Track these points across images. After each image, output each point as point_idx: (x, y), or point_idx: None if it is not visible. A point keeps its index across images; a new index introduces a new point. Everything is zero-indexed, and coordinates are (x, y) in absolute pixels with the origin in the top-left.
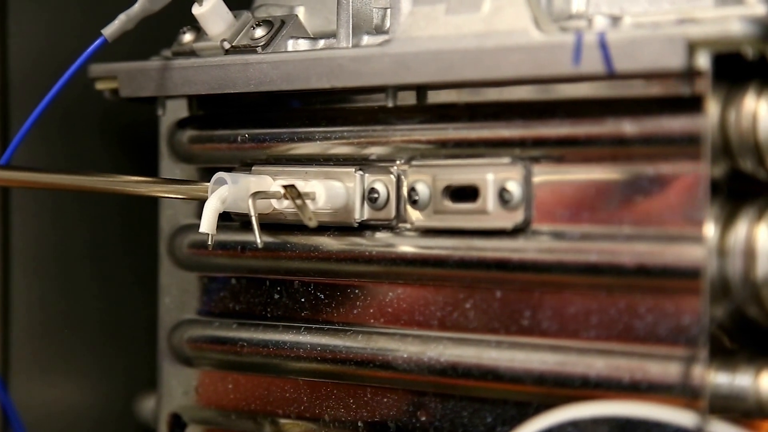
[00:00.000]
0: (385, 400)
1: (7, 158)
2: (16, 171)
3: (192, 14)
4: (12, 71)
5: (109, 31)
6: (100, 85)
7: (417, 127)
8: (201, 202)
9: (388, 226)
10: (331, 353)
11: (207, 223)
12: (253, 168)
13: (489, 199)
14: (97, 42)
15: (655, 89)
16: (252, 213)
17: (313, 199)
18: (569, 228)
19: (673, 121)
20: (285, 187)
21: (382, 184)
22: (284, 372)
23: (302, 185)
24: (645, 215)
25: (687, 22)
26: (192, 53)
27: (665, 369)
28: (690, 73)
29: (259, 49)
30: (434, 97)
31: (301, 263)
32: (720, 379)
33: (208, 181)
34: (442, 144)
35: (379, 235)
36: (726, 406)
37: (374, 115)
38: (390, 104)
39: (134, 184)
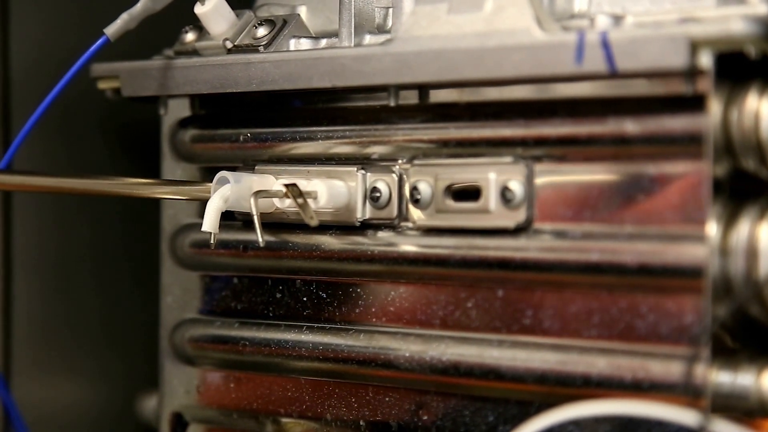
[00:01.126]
0: (387, 399)
1: (9, 157)
2: (17, 175)
3: (194, 13)
4: (14, 70)
5: (111, 30)
6: (102, 85)
7: (419, 127)
8: (203, 201)
9: (390, 225)
10: (333, 352)
11: (209, 222)
12: (256, 167)
13: (491, 198)
14: (99, 41)
15: (657, 88)
16: (254, 212)
17: (315, 198)
18: (571, 227)
19: (675, 120)
20: (286, 186)
21: (384, 184)
22: (286, 371)
23: (304, 184)
24: (647, 214)
25: (689, 21)
26: (194, 52)
27: (667, 368)
28: (692, 73)
29: (261, 49)
30: (436, 97)
31: (303, 262)
32: (722, 378)
33: (210, 181)
34: (444, 143)
35: (381, 234)
36: (728, 405)
37: (376, 115)
38: (392, 103)
39: (136, 186)
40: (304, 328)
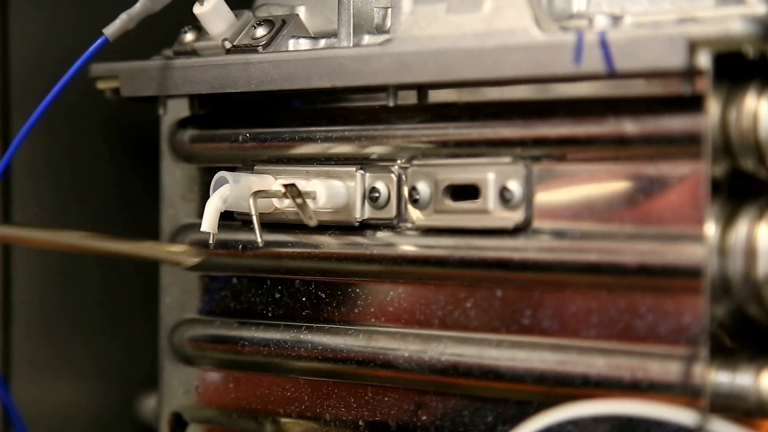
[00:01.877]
0: (386, 399)
1: (8, 157)
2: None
3: (193, 14)
4: (13, 71)
5: (111, 30)
6: (101, 85)
7: (418, 127)
8: (203, 201)
9: (389, 226)
10: (332, 352)
11: (208, 222)
12: (255, 167)
13: (490, 198)
14: (99, 41)
15: (655, 88)
16: (253, 212)
17: (314, 198)
18: (570, 227)
19: (674, 120)
20: (285, 186)
21: (383, 184)
22: (285, 371)
23: (303, 184)
24: (646, 214)
25: (688, 21)
26: (193, 53)
27: (666, 368)
28: (691, 73)
29: (260, 49)
30: (435, 97)
31: (302, 262)
32: (721, 378)
33: (210, 180)
34: (443, 143)
35: (379, 234)
36: (727, 405)
37: (375, 115)
38: (391, 104)
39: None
40: (303, 328)
